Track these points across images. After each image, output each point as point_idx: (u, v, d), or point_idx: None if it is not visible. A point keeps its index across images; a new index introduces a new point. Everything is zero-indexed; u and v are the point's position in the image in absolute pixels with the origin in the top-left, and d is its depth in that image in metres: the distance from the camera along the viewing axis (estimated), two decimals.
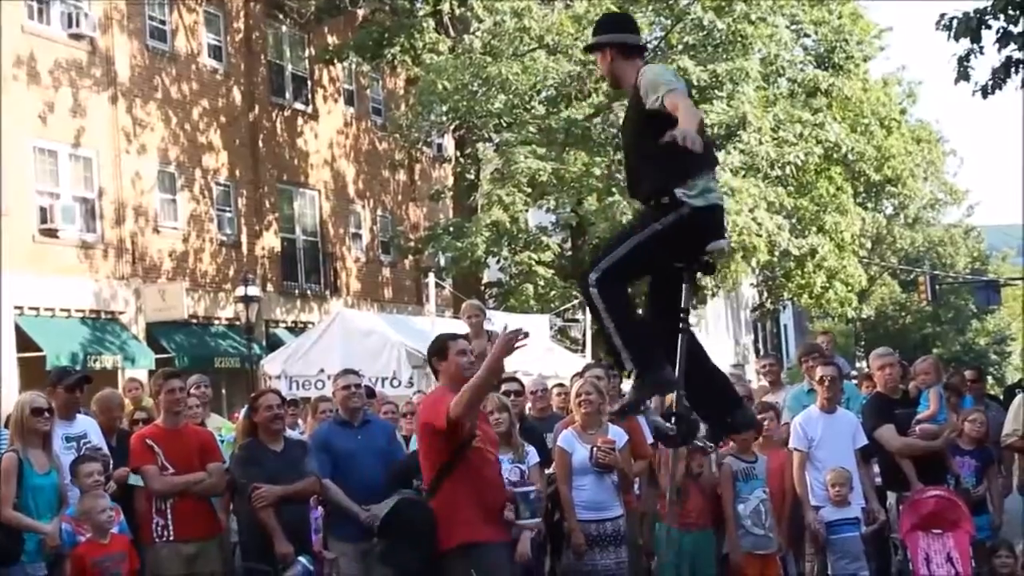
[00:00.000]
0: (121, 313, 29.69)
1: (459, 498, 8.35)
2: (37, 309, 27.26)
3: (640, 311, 7.96)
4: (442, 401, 8.40)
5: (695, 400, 7.87)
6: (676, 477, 9.20)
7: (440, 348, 8.81)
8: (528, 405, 13.35)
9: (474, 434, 8.59)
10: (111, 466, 10.82)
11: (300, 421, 14.42)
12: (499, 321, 21.40)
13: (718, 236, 7.63)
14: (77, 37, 29.00)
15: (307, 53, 37.90)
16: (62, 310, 27.99)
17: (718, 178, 7.69)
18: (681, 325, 7.69)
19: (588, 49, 8.23)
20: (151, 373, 23.77)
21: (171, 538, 10.52)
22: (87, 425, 11.36)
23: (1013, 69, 18.31)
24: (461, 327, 16.90)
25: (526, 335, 8.29)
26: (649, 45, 34.92)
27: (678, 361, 7.68)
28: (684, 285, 7.70)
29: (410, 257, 38.61)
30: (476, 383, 8.28)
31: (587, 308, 7.78)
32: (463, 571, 8.28)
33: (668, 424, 7.82)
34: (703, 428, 8.12)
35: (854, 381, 16.88)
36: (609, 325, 7.47)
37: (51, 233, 27.60)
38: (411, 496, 8.47)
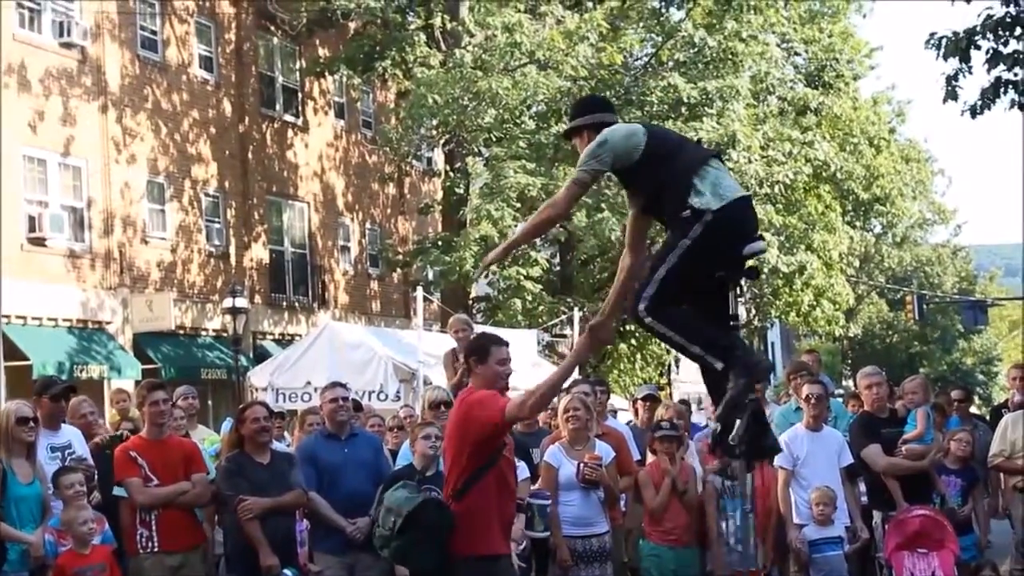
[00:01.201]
0: (108, 323, 29.65)
1: (484, 506, 8.31)
2: (24, 318, 27.19)
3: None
4: (493, 399, 8.28)
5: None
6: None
7: (481, 350, 8.60)
8: None
9: (504, 442, 8.60)
10: (95, 476, 10.80)
11: (287, 433, 14.39)
12: None
13: (751, 233, 7.63)
14: (68, 46, 28.97)
15: (298, 65, 37.93)
16: (49, 319, 27.94)
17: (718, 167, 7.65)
18: (732, 334, 7.70)
19: (567, 134, 8.20)
20: (137, 383, 23.74)
21: (155, 549, 10.48)
22: (72, 435, 11.34)
23: (1002, 89, 18.37)
24: (449, 342, 16.95)
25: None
26: (639, 62, 35.04)
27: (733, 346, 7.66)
28: (730, 294, 7.71)
29: (398, 270, 38.59)
30: (546, 390, 8.25)
31: (651, 334, 7.71)
32: None
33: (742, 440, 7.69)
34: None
35: (840, 399, 16.89)
36: (680, 340, 7.53)
37: (39, 242, 27.56)
38: (436, 497, 8.40)
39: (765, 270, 32.41)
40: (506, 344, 8.66)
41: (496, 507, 8.45)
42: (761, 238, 7.80)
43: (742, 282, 7.94)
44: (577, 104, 8.82)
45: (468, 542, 8.23)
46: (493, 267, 31.44)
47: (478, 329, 22.00)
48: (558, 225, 31.66)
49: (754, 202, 7.87)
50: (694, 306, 7.69)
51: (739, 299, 7.87)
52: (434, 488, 9.82)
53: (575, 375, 22.20)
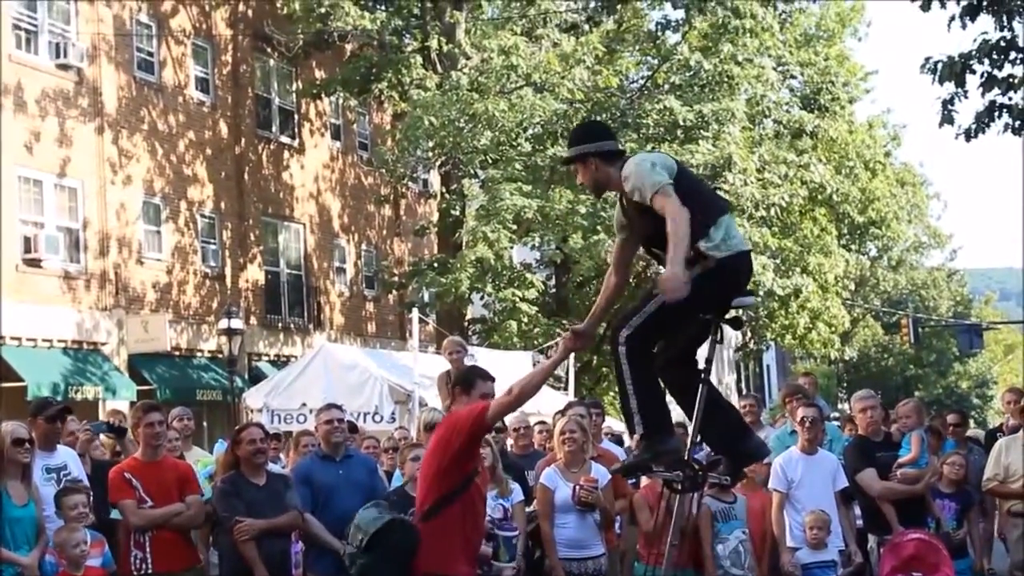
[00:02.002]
0: (103, 344, 29.62)
1: (453, 529, 8.30)
2: (19, 339, 27.15)
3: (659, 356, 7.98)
4: (473, 406, 8.33)
5: (710, 439, 8.22)
6: (680, 522, 9.18)
7: (468, 381, 8.67)
8: (510, 441, 13.34)
9: (477, 469, 8.62)
10: (91, 498, 10.79)
11: (282, 455, 14.38)
12: (481, 358, 21.44)
13: (744, 286, 7.87)
14: (64, 67, 29.01)
15: (294, 87, 37.97)
16: (44, 340, 27.90)
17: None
18: (703, 377, 7.91)
19: (569, 161, 8.20)
20: (132, 404, 23.69)
21: (150, 571, 10.46)
22: (67, 456, 11.33)
23: (996, 113, 18.41)
24: (444, 363, 16.95)
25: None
26: (635, 85, 35.12)
27: (695, 414, 7.93)
28: (709, 338, 7.90)
29: (394, 292, 38.59)
30: (524, 387, 8.25)
31: (612, 362, 7.84)
32: None
33: (675, 474, 8.02)
34: (721, 465, 8.35)
35: (836, 423, 16.88)
36: (629, 387, 7.62)
37: (34, 263, 27.54)
38: (403, 517, 8.42)
39: (761, 293, 32.40)
40: (493, 380, 8.70)
41: (462, 531, 8.42)
42: (752, 293, 8.09)
43: (723, 329, 8.10)
44: (581, 131, 8.68)
45: (431, 561, 8.23)
46: (488, 289, 31.52)
47: (473, 350, 22.08)
48: (554, 247, 31.78)
49: (749, 225, 8.03)
50: (670, 342, 7.87)
51: (717, 344, 8.01)
52: None
53: (571, 396, 22.20)
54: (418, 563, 8.21)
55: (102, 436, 14.64)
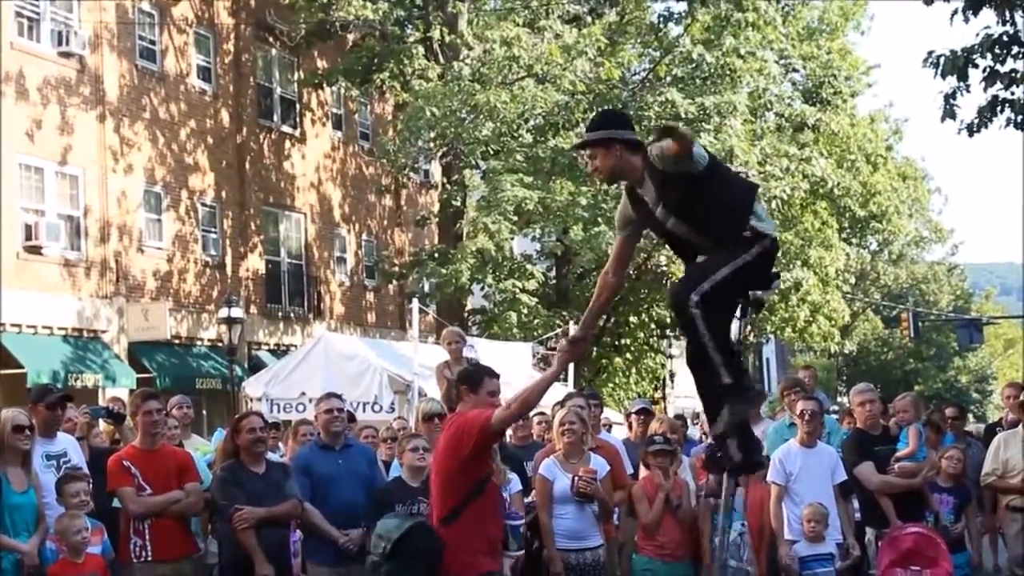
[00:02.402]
0: (103, 332, 29.64)
1: (476, 529, 8.37)
2: (19, 326, 27.18)
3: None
4: (480, 412, 8.39)
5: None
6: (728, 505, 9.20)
7: (475, 379, 8.72)
8: (508, 432, 13.35)
9: (491, 472, 8.72)
10: (91, 485, 10.79)
11: (281, 444, 14.39)
12: (481, 348, 21.45)
13: (776, 272, 8.14)
14: (66, 55, 29.00)
15: (296, 76, 37.95)
16: (44, 327, 27.92)
17: None
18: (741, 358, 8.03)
19: (587, 145, 8.09)
20: (132, 392, 23.71)
21: (149, 558, 10.47)
22: (67, 443, 11.34)
23: (999, 108, 18.40)
24: (443, 354, 16.95)
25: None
26: (636, 77, 35.12)
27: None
28: (738, 318, 8.00)
29: (394, 282, 38.59)
30: (529, 396, 8.34)
31: (682, 328, 7.89)
32: None
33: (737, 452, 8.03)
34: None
35: (835, 416, 16.89)
36: (709, 342, 7.64)
37: (35, 250, 27.56)
38: (424, 522, 8.45)
39: None
40: (498, 377, 8.77)
41: (484, 532, 8.52)
42: (779, 275, 8.24)
43: (749, 310, 8.21)
44: (608, 116, 8.65)
45: (464, 564, 8.27)
46: (489, 280, 31.52)
47: (473, 341, 22.08)
48: (555, 239, 31.77)
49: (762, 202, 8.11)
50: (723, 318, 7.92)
51: (745, 325, 8.23)
52: (426, 501, 9.86)
53: (570, 387, 22.22)
54: (452, 569, 8.25)
55: (101, 423, 14.69)
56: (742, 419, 7.92)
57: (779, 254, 7.89)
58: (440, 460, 8.51)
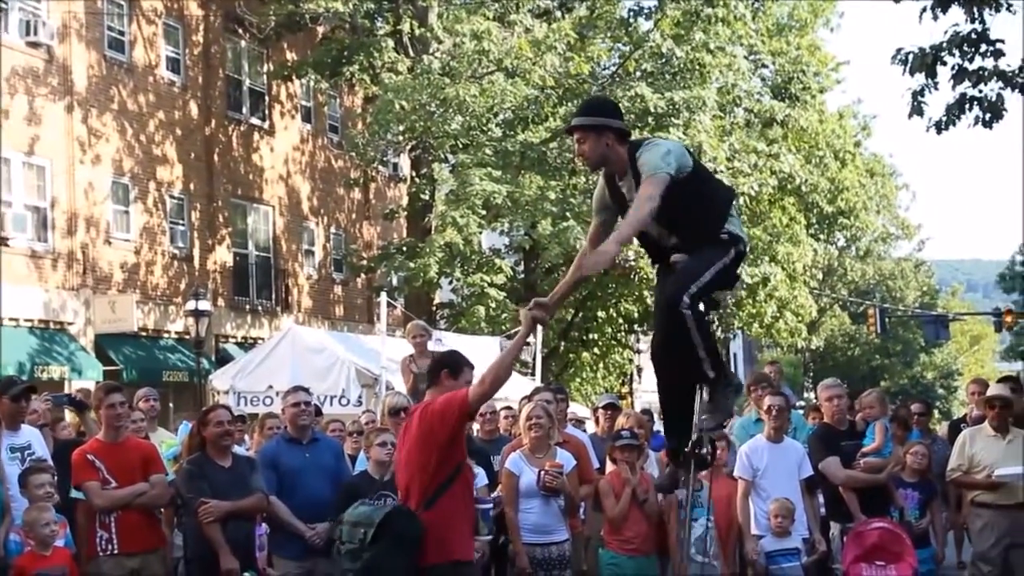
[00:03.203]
0: (70, 324, 29.51)
1: (454, 513, 8.40)
2: None
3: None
4: (453, 394, 8.41)
5: (681, 431, 8.49)
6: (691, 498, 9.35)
7: (457, 365, 8.74)
8: (476, 427, 13.35)
9: (466, 454, 8.76)
10: (55, 477, 10.76)
11: (247, 437, 14.36)
12: (449, 342, 21.43)
13: (738, 273, 8.47)
14: (35, 45, 28.83)
15: (265, 69, 37.87)
16: (10, 319, 27.75)
17: None
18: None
19: (577, 129, 8.13)
20: (98, 384, 23.63)
21: (115, 551, 10.45)
22: (32, 436, 11.30)
23: (967, 106, 18.45)
24: (410, 348, 16.96)
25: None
26: (606, 72, 35.16)
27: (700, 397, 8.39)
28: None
29: (362, 276, 38.57)
30: (500, 370, 8.41)
31: (672, 328, 8.03)
32: None
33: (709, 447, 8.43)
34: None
35: (801, 412, 16.94)
36: (697, 340, 7.92)
37: (1, 241, 27.39)
38: (403, 507, 8.41)
39: None
40: (473, 368, 8.81)
41: (465, 513, 8.61)
42: (739, 277, 8.44)
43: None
44: (603, 104, 8.97)
45: (440, 550, 8.27)
46: (457, 274, 31.54)
47: (440, 335, 22.07)
48: (523, 233, 31.82)
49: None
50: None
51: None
52: (391, 495, 9.86)
53: (537, 382, 22.23)
54: (427, 553, 8.24)
55: (68, 415, 14.62)
56: (730, 413, 8.41)
57: (747, 250, 8.06)
58: (415, 447, 8.44)
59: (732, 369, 67.34)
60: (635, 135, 29.06)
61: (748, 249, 8.25)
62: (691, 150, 8.31)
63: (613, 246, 7.55)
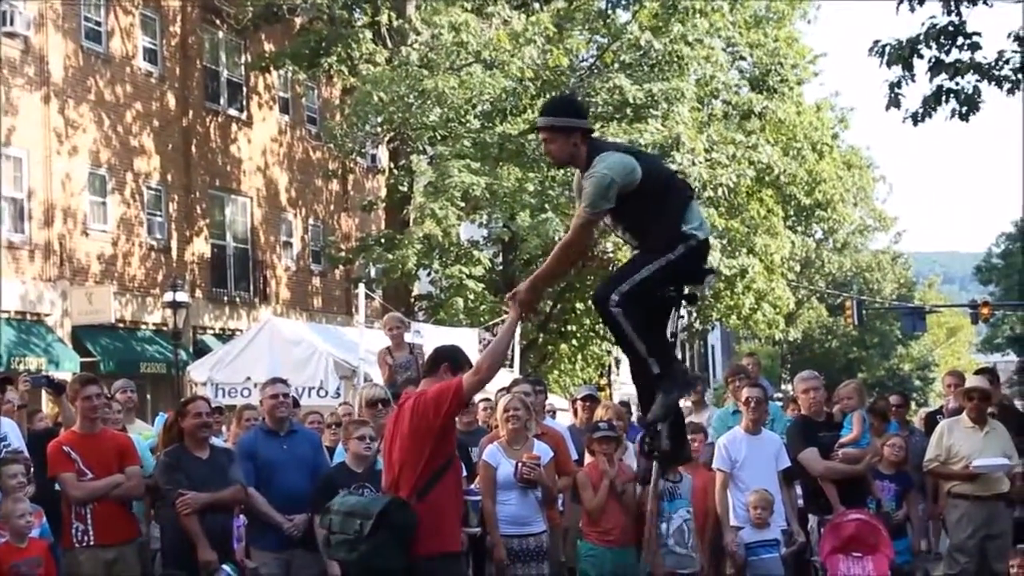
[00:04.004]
0: (47, 315, 29.43)
1: (446, 504, 8.43)
2: None
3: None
4: (447, 383, 8.43)
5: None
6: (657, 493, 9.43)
7: (459, 361, 8.72)
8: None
9: (456, 444, 8.85)
10: (31, 469, 10.73)
11: (224, 428, 14.34)
12: (428, 333, 21.43)
13: (710, 268, 8.58)
14: (10, 35, 28.73)
15: (243, 60, 37.78)
16: None
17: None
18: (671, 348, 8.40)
19: (546, 129, 8.30)
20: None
21: (91, 543, 10.45)
22: (7, 427, 11.26)
23: (944, 98, 18.51)
24: (387, 339, 16.97)
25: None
26: (584, 64, 35.17)
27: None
28: (674, 311, 8.39)
29: (341, 267, 38.52)
30: (493, 357, 8.50)
31: (606, 326, 8.23)
32: None
33: (666, 441, 8.40)
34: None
35: (779, 403, 16.99)
36: (633, 337, 8.02)
37: None
38: (398, 498, 8.38)
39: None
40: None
41: (454, 505, 8.66)
42: (713, 271, 8.54)
43: (683, 304, 8.65)
44: (570, 104, 9.01)
45: (431, 541, 8.28)
46: (435, 266, 31.53)
47: (419, 327, 22.06)
48: (502, 225, 31.81)
49: (697, 205, 8.38)
50: (647, 313, 8.18)
51: (680, 318, 8.57)
52: (370, 487, 9.85)
53: (515, 373, 22.22)
54: (420, 543, 8.24)
55: (45, 407, 14.58)
56: (674, 407, 8.29)
57: (704, 243, 8.09)
58: (408, 437, 8.43)
59: (706, 362, 67.47)
60: (613, 127, 28.94)
61: (706, 241, 8.22)
62: (642, 159, 8.28)
63: (530, 284, 8.30)
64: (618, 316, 7.94)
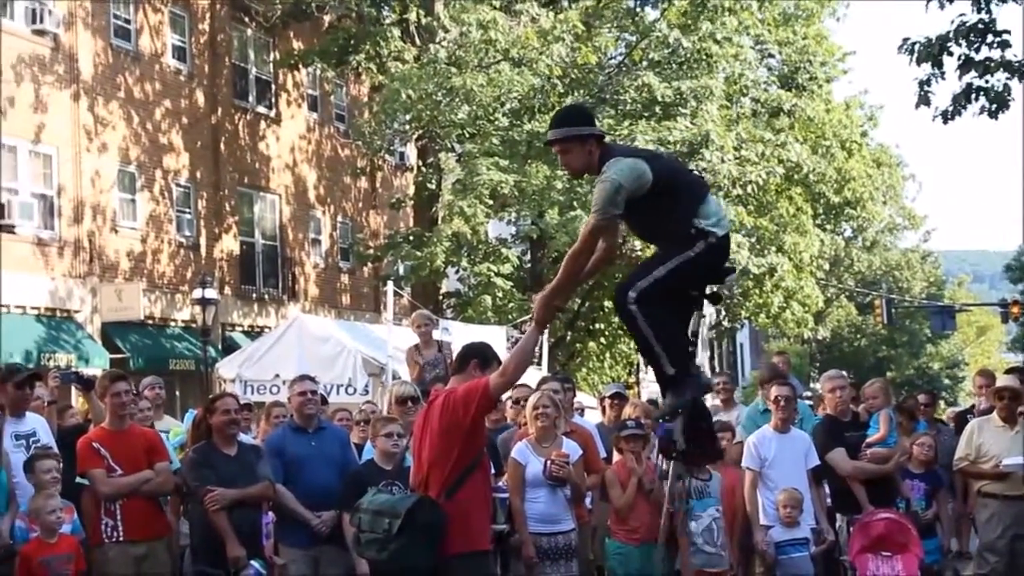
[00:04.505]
0: (77, 312, 29.53)
1: (475, 502, 8.44)
2: None
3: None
4: (475, 382, 8.44)
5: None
6: (674, 493, 9.42)
7: (488, 358, 8.76)
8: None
9: (486, 442, 8.85)
10: (60, 465, 10.76)
11: (253, 425, 14.36)
12: (456, 331, 21.42)
13: (731, 266, 8.44)
14: (41, 33, 28.82)
15: (272, 57, 37.83)
16: (17, 307, 27.79)
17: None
18: (690, 350, 8.28)
19: (560, 140, 8.26)
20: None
21: (121, 539, 10.48)
22: (36, 423, 11.29)
23: (973, 96, 18.43)
24: (415, 337, 16.97)
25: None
26: (613, 61, 35.14)
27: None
28: (695, 312, 8.31)
29: (369, 265, 38.59)
30: (521, 357, 8.47)
31: (623, 323, 8.24)
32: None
33: (682, 440, 8.34)
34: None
35: (808, 402, 16.95)
36: (648, 334, 7.98)
37: (8, 229, 27.37)
38: (426, 496, 8.39)
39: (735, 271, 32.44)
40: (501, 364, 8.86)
41: (483, 503, 8.65)
42: (735, 269, 8.43)
43: (705, 304, 8.53)
44: (580, 113, 8.71)
45: (462, 539, 8.29)
46: (464, 263, 31.55)
47: (447, 324, 22.05)
48: (530, 223, 31.81)
49: (725, 203, 8.39)
50: (666, 312, 8.12)
51: (701, 318, 8.46)
52: (399, 484, 9.86)
53: (544, 372, 22.20)
54: (449, 542, 8.24)
55: (75, 402, 14.62)
56: (683, 407, 8.18)
57: (724, 239, 8.01)
58: (437, 436, 8.44)
59: (735, 360, 67.35)
60: (641, 125, 28.92)
61: (725, 237, 8.10)
62: (653, 160, 8.22)
63: (547, 292, 8.38)
64: (635, 313, 7.91)
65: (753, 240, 34.74)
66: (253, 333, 34.43)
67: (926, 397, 16.77)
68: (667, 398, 8.19)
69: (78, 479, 10.83)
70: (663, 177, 8.02)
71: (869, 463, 11.95)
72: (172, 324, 33.04)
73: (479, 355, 8.79)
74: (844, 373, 13.24)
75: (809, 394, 26.09)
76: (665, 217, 7.98)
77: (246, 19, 36.24)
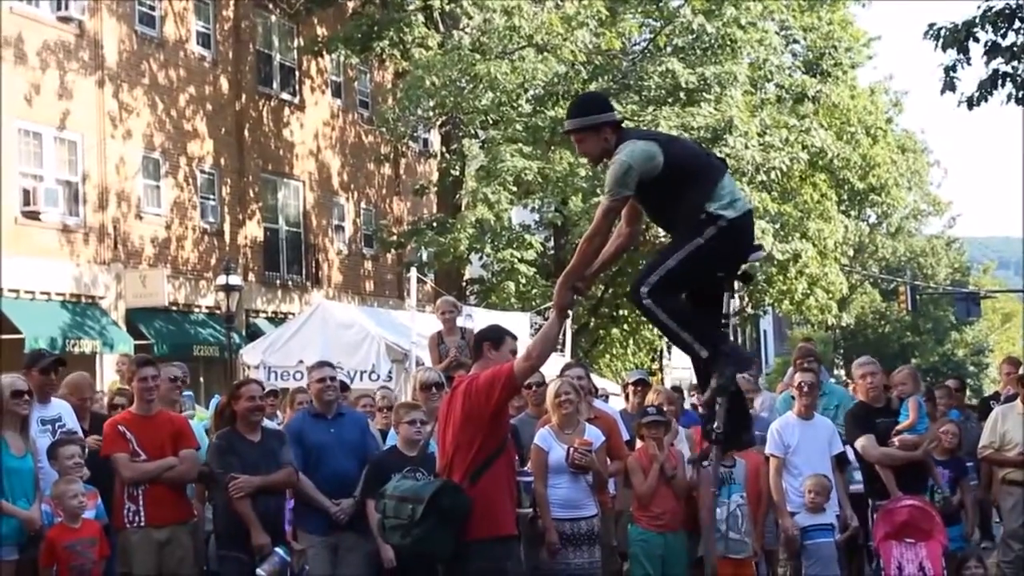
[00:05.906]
0: (101, 298, 29.62)
1: (498, 488, 8.49)
2: (17, 291, 27.13)
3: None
4: (499, 368, 8.48)
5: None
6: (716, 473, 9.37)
7: (498, 337, 8.86)
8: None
9: (509, 427, 8.89)
10: (86, 450, 10.80)
11: (278, 412, 14.37)
12: (479, 317, 21.41)
13: (752, 242, 8.23)
14: (65, 20, 28.92)
15: (296, 44, 37.85)
16: (42, 293, 27.90)
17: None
18: (722, 329, 8.26)
19: (578, 129, 8.23)
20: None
21: (143, 523, 10.51)
22: (62, 408, 11.33)
23: (999, 82, 18.36)
24: (439, 323, 16.97)
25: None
26: (637, 47, 35.08)
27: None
28: (725, 294, 8.27)
29: (393, 251, 38.62)
30: (544, 342, 8.50)
31: (645, 317, 8.16)
32: (500, 561, 8.52)
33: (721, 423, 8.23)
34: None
35: (847, 387, 16.87)
36: (672, 325, 7.95)
37: (33, 215, 27.52)
38: (450, 481, 8.41)
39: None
40: (516, 339, 8.92)
41: (507, 488, 8.68)
42: (761, 247, 8.44)
43: (736, 284, 8.49)
44: (595, 101, 8.70)
45: (485, 524, 8.34)
46: (487, 250, 31.54)
47: (470, 310, 22.04)
48: (554, 209, 31.79)
49: (749, 189, 8.30)
50: (692, 300, 8.13)
51: (732, 299, 8.45)
52: (424, 471, 9.87)
53: (567, 358, 22.18)
54: (472, 527, 8.28)
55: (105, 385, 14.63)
56: (730, 385, 8.07)
57: (739, 220, 7.91)
58: (460, 422, 8.48)
59: (759, 347, 67.20)
60: (665, 111, 28.89)
61: (740, 218, 7.93)
62: (665, 142, 8.19)
63: (563, 276, 8.24)
64: (651, 307, 7.87)
65: (777, 226, 34.63)
66: (277, 319, 34.48)
67: (955, 383, 16.73)
68: (712, 381, 8.05)
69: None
70: (676, 159, 7.98)
71: (899, 450, 11.90)
72: (196, 310, 33.13)
73: (488, 337, 8.90)
74: (875, 359, 13.13)
75: (832, 380, 26.01)
76: (677, 202, 7.94)
77: (270, 5, 36.27)
